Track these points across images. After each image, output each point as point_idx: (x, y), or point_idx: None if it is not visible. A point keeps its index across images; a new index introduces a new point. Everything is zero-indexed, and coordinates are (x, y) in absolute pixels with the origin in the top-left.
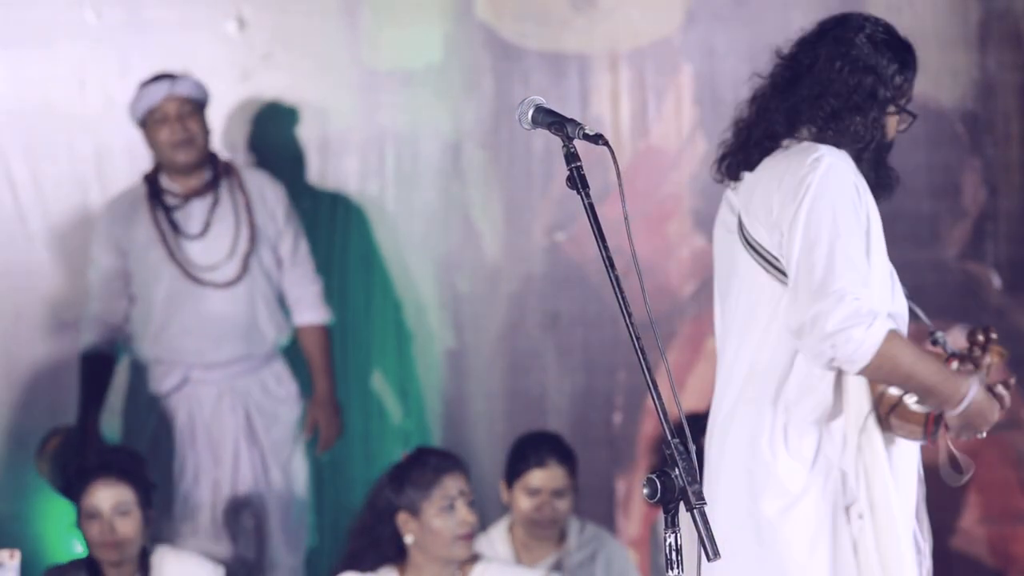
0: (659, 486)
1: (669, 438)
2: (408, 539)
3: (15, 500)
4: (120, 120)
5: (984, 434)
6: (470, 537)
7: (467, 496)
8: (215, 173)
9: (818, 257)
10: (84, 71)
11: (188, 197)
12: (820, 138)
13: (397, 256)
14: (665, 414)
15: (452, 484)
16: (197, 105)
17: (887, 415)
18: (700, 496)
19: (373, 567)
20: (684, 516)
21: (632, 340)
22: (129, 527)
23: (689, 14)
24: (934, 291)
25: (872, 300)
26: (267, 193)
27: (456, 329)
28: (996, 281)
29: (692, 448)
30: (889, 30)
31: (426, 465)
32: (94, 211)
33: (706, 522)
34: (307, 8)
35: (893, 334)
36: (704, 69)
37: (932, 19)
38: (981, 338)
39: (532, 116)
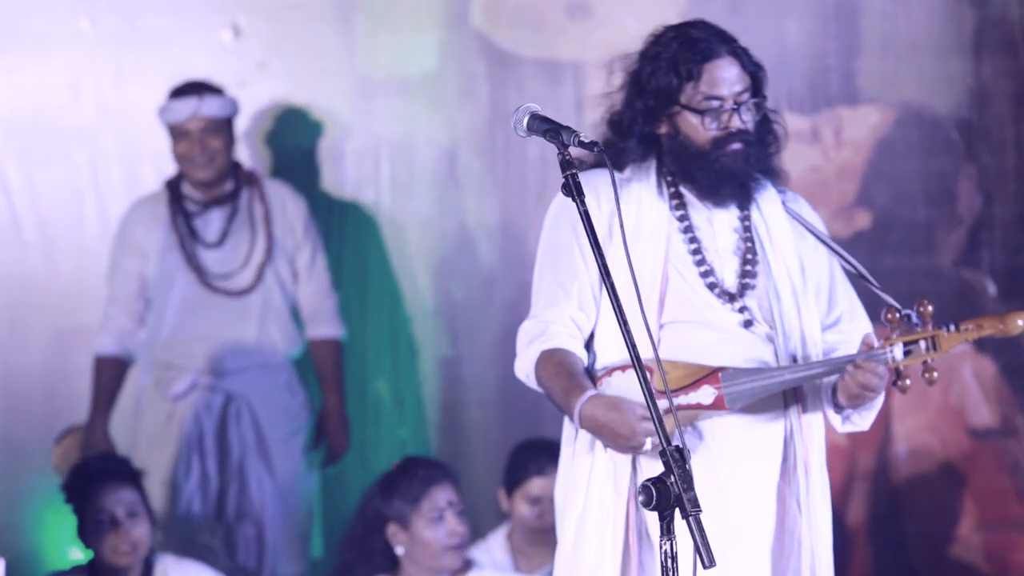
0: (654, 493)
1: (665, 445)
2: (399, 550)
3: (11, 509)
4: (115, 128)
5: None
6: (460, 547)
7: (456, 506)
8: (237, 183)
9: None
10: (79, 79)
11: (208, 205)
12: (600, 159)
13: (393, 264)
14: (660, 422)
15: (441, 495)
16: (223, 121)
17: None
18: (695, 503)
19: None
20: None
21: (628, 348)
22: (142, 529)
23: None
24: (929, 299)
25: (554, 317)
26: (288, 205)
27: (452, 337)
28: (991, 289)
29: (688, 455)
30: (680, 30)
31: (414, 476)
32: (89, 219)
33: (701, 530)
34: (302, 16)
35: (544, 355)
36: None
37: (927, 27)
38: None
39: (527, 123)
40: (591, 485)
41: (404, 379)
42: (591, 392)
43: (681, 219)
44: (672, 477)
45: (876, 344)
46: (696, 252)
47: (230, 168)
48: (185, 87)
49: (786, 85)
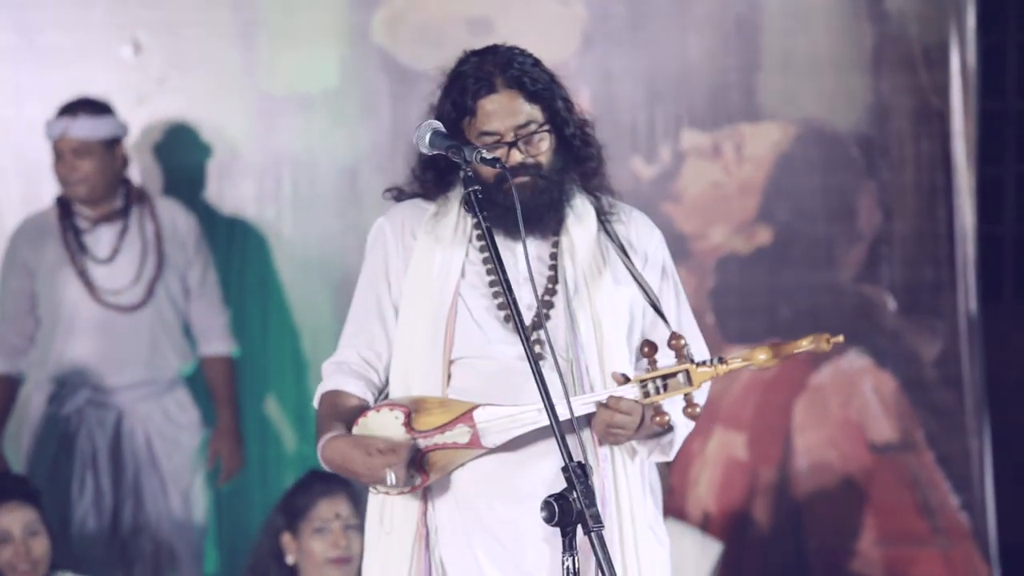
0: (556, 509)
1: (567, 461)
2: (289, 559)
3: None
4: (13, 145)
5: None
6: (342, 561)
7: (344, 520)
8: (127, 200)
9: None
10: None
11: (98, 221)
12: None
13: (294, 281)
14: (563, 437)
15: (328, 508)
16: (99, 143)
17: None
18: (598, 519)
19: None
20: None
21: (530, 363)
22: (40, 547)
23: (586, 38)
24: (829, 314)
25: (345, 357)
26: (178, 222)
27: None
28: (891, 304)
29: (591, 471)
30: (468, 61)
31: (310, 488)
32: None
33: (603, 546)
34: (203, 32)
35: (323, 396)
36: (601, 92)
37: (827, 43)
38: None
39: (430, 140)
40: (383, 522)
41: (305, 396)
42: (331, 434)
43: (481, 250)
44: (575, 493)
45: (629, 379)
46: (493, 284)
47: (112, 188)
48: (69, 105)
49: (687, 101)
